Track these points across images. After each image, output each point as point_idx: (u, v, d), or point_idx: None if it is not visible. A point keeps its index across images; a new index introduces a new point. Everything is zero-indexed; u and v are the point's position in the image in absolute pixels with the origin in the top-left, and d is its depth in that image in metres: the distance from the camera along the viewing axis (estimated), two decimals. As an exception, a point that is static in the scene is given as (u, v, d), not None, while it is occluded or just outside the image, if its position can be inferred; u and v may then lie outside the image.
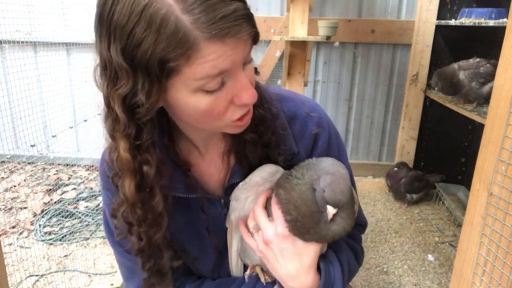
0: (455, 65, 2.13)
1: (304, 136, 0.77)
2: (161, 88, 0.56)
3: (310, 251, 0.69)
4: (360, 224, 0.90)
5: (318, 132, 0.77)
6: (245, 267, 0.82)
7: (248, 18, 0.55)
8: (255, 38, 0.59)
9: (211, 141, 0.76)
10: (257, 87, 0.73)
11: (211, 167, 0.77)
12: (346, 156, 0.84)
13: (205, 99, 0.57)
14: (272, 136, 0.73)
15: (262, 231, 0.70)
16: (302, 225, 0.66)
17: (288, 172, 0.70)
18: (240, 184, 0.73)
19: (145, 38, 0.51)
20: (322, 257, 0.73)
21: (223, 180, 0.78)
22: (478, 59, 2.06)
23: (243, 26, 0.54)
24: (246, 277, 0.77)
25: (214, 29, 0.51)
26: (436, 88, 2.24)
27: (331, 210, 0.63)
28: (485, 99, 2.04)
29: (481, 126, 1.16)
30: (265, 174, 0.72)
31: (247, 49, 0.58)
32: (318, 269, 0.72)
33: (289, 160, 0.76)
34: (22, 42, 2.33)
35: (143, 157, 0.63)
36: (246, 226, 0.75)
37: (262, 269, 0.77)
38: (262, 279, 0.76)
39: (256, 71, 0.73)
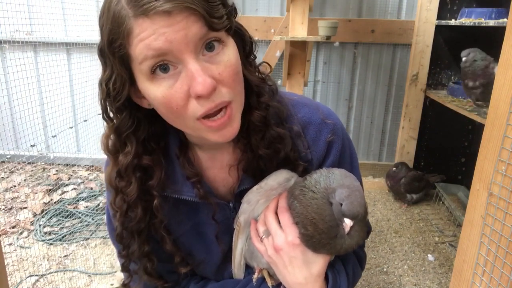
0: (491, 58, 1.94)
1: (318, 143, 0.75)
2: (125, 75, 0.59)
3: (319, 260, 0.69)
4: None
5: (332, 139, 0.76)
6: (247, 268, 0.82)
7: None
8: (209, 23, 0.55)
9: (219, 152, 0.76)
10: (279, 104, 0.72)
11: (222, 173, 0.77)
12: (357, 165, 0.83)
13: (160, 87, 0.57)
14: (290, 151, 0.72)
15: (273, 238, 0.70)
16: (318, 241, 0.66)
17: (301, 182, 0.69)
18: (255, 187, 0.73)
19: (103, 26, 0.58)
20: (330, 266, 0.73)
21: (233, 185, 0.77)
22: None
23: (170, 1, 0.52)
24: (254, 280, 0.77)
25: (137, 5, 0.53)
26: (463, 59, 1.99)
27: (348, 223, 0.63)
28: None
29: (481, 126, 1.15)
30: (281, 180, 0.72)
31: (192, 31, 0.54)
32: (325, 277, 0.72)
33: (304, 169, 0.75)
34: (22, 42, 2.34)
35: (121, 143, 0.67)
36: (256, 229, 0.75)
37: (269, 273, 0.77)
38: (269, 283, 0.76)
39: (258, 69, 0.72)
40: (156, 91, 0.58)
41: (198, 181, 0.73)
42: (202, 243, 0.80)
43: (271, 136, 0.70)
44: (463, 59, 2.05)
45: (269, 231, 0.71)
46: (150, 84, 0.58)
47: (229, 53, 0.59)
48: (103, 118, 0.66)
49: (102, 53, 0.60)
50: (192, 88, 0.56)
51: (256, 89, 0.69)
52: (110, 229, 0.82)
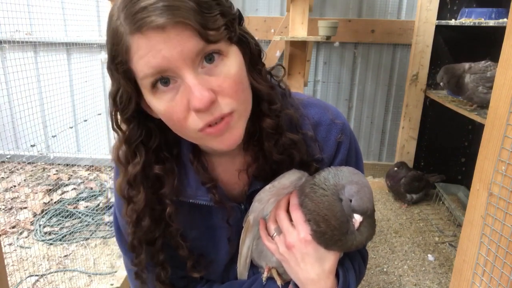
0: (466, 65, 2.04)
1: (328, 143, 0.76)
2: (130, 89, 0.59)
3: (331, 257, 0.70)
4: None
5: (342, 139, 0.77)
6: (252, 267, 0.82)
7: (175, 8, 0.51)
8: (204, 36, 0.54)
9: (230, 157, 0.76)
10: (293, 108, 0.72)
11: (233, 177, 0.77)
12: (362, 164, 0.84)
13: (162, 101, 0.58)
14: (304, 155, 0.72)
15: (285, 235, 0.70)
16: (330, 238, 0.67)
17: (311, 180, 0.70)
18: (268, 186, 0.73)
19: (107, 40, 0.58)
20: (339, 264, 0.73)
21: (243, 187, 0.77)
22: (488, 63, 1.98)
23: (162, 16, 0.51)
24: (263, 279, 0.78)
25: (132, 22, 0.52)
26: (441, 84, 2.17)
27: (358, 218, 0.64)
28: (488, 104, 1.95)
29: (481, 126, 1.15)
30: (294, 179, 0.72)
31: (188, 47, 0.53)
32: (336, 273, 0.73)
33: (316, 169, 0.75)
34: (22, 42, 2.34)
35: (130, 153, 0.67)
36: (266, 228, 0.75)
37: (277, 272, 0.78)
38: (278, 282, 0.77)
39: (271, 74, 0.71)
40: (158, 104, 0.58)
41: (214, 186, 0.72)
42: (212, 246, 0.80)
43: (284, 142, 0.70)
44: (441, 84, 2.18)
45: (281, 229, 0.72)
46: (153, 97, 0.58)
47: (230, 63, 0.58)
48: (113, 129, 0.66)
49: (108, 66, 0.60)
50: (190, 103, 0.56)
51: (267, 97, 0.68)
52: (118, 238, 0.82)
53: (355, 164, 0.80)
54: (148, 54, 0.53)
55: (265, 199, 0.74)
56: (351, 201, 0.64)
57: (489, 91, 1.90)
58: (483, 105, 2.00)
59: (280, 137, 0.70)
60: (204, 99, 0.55)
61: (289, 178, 0.72)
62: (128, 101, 0.61)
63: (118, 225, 0.81)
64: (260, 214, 0.76)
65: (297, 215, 0.69)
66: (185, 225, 0.76)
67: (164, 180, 0.70)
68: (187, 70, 0.55)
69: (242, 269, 0.82)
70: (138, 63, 0.55)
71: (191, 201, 0.73)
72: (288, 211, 0.72)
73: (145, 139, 0.67)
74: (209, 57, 0.57)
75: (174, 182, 0.70)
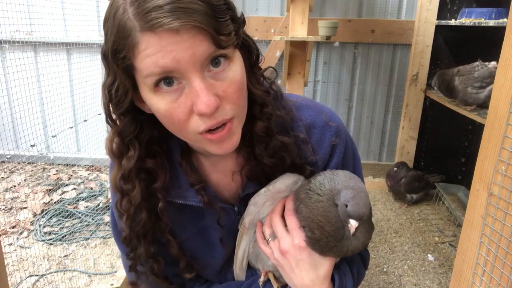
0: (455, 69, 2.08)
1: (322, 145, 0.76)
2: (128, 84, 0.59)
3: (326, 262, 0.70)
4: None
5: (336, 142, 0.76)
6: (249, 269, 0.82)
7: (191, 11, 0.51)
8: (216, 41, 0.54)
9: (222, 158, 0.75)
10: (285, 110, 0.71)
11: (225, 178, 0.77)
12: (360, 165, 0.84)
13: (163, 100, 0.57)
14: (296, 158, 0.72)
15: (279, 241, 0.70)
16: (325, 244, 0.66)
17: (306, 185, 0.69)
18: (263, 190, 0.73)
19: (108, 32, 0.57)
20: (336, 268, 0.73)
21: (237, 190, 0.77)
22: (476, 63, 2.00)
23: (178, 19, 0.50)
24: (260, 283, 0.78)
25: (145, 19, 0.51)
26: (435, 88, 2.24)
27: (354, 224, 0.63)
28: (484, 103, 1.94)
29: (481, 126, 1.15)
30: (289, 182, 0.72)
31: (199, 50, 0.53)
32: (332, 278, 0.72)
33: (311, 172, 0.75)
34: (22, 42, 2.34)
35: (124, 147, 0.67)
36: (262, 232, 0.75)
37: (274, 276, 0.78)
38: (275, 286, 0.77)
39: (263, 76, 0.71)
40: (159, 104, 0.58)
41: (202, 188, 0.72)
42: (206, 247, 0.79)
43: (275, 145, 0.70)
44: (435, 88, 2.28)
45: (275, 234, 0.72)
46: (153, 95, 0.58)
47: (235, 68, 0.59)
48: (107, 121, 0.66)
49: (105, 58, 0.59)
50: (196, 106, 0.56)
51: (260, 100, 0.68)
52: (115, 232, 0.82)
53: (352, 168, 0.80)
54: (157, 53, 0.52)
55: (260, 203, 0.74)
56: (346, 206, 0.63)
57: (479, 91, 1.92)
58: (481, 105, 2.00)
59: (270, 140, 0.70)
60: (211, 105, 0.55)
61: (284, 182, 0.72)
62: (125, 96, 0.60)
63: (115, 221, 0.80)
64: (256, 217, 0.75)
65: (292, 221, 0.69)
66: (177, 225, 0.76)
67: (157, 174, 0.70)
68: (195, 74, 0.55)
69: (238, 271, 0.82)
70: (144, 61, 0.54)
71: (181, 202, 0.73)
72: (283, 216, 0.72)
73: (138, 132, 0.67)
74: (216, 61, 0.57)
75: (166, 176, 0.70)
